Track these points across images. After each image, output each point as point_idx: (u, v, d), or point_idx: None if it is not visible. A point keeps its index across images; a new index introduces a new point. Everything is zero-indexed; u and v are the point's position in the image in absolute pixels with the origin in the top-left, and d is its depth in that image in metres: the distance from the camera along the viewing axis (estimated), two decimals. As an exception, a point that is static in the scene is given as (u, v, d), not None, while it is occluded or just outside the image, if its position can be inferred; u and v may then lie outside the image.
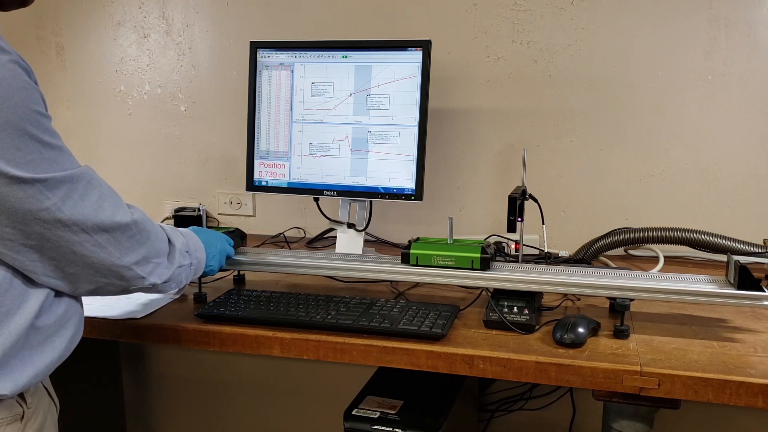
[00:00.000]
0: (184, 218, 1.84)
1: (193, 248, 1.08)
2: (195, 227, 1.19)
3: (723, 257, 1.23)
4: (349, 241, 1.54)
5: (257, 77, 1.55)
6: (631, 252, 1.65)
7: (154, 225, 0.96)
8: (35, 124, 0.77)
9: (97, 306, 1.20)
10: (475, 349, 1.04)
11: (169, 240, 1.00)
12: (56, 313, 0.88)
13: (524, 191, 1.31)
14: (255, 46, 1.56)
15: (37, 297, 0.84)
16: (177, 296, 1.30)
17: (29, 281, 0.84)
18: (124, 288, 0.93)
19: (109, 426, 2.01)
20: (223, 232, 1.29)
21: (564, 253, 1.58)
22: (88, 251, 0.84)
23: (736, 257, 1.10)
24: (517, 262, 1.30)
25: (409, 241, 1.24)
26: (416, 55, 1.45)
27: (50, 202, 0.79)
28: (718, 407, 1.60)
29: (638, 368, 0.97)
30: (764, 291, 1.05)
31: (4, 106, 0.74)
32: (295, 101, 1.54)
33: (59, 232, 0.81)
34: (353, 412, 1.21)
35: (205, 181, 1.97)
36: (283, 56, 1.54)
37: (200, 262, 1.10)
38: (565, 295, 1.29)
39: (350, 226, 1.55)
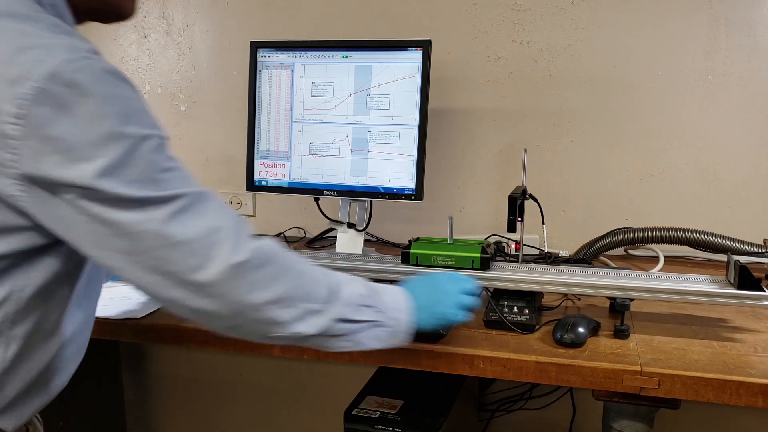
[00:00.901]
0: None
1: (383, 305, 0.91)
2: (422, 278, 1.03)
3: (723, 257, 1.23)
4: (349, 241, 1.54)
5: (257, 77, 1.55)
6: (631, 252, 1.65)
7: (302, 263, 0.85)
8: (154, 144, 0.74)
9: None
10: (475, 348, 1.04)
11: (331, 286, 0.86)
12: (66, 355, 0.87)
13: (524, 191, 1.31)
14: (255, 46, 1.56)
15: (54, 346, 0.84)
16: None
17: (52, 332, 0.83)
18: (263, 333, 0.82)
19: (109, 426, 2.01)
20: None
21: (564, 253, 1.58)
22: None
23: (736, 257, 1.10)
24: (517, 262, 1.30)
25: (409, 241, 1.24)
26: (416, 55, 1.45)
27: (156, 222, 0.73)
28: (718, 407, 1.60)
29: (638, 368, 0.97)
30: (764, 291, 1.05)
31: (127, 123, 0.71)
32: (295, 101, 1.54)
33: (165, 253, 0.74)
34: (353, 412, 1.21)
35: (205, 181, 1.96)
36: (283, 56, 1.54)
37: (398, 323, 0.92)
38: (565, 295, 1.29)
39: (350, 225, 1.55)
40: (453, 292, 1.00)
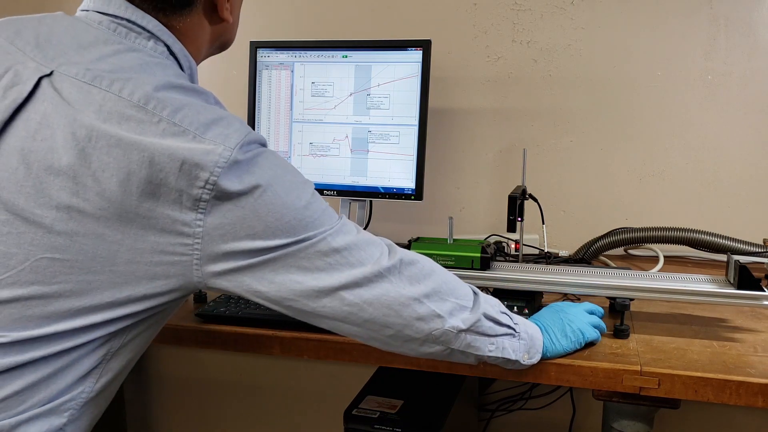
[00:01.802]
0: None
1: (515, 318, 0.94)
2: (543, 309, 1.05)
3: (723, 257, 1.23)
4: (349, 241, 1.54)
5: (257, 77, 1.55)
6: (631, 252, 1.65)
7: (439, 266, 0.91)
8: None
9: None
10: (475, 348, 1.04)
11: (471, 287, 0.92)
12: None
13: (524, 191, 1.31)
14: (255, 46, 1.56)
15: (122, 380, 0.87)
16: None
17: (131, 368, 0.86)
18: (426, 332, 0.85)
19: (109, 426, 2.01)
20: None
21: (564, 253, 1.58)
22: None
23: (736, 257, 1.10)
24: (517, 261, 1.30)
25: (409, 241, 1.24)
26: (416, 55, 1.45)
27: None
28: (718, 407, 1.60)
29: (638, 368, 0.97)
30: (764, 291, 1.05)
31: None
32: (295, 101, 1.54)
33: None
34: (353, 412, 1.21)
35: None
36: (283, 56, 1.54)
37: (533, 339, 0.95)
38: (565, 294, 1.29)
39: (350, 226, 1.55)
40: (579, 313, 1.03)
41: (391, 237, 1.77)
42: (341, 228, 0.81)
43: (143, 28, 0.80)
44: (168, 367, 2.06)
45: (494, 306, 0.92)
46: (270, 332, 1.12)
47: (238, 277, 0.77)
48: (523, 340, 0.94)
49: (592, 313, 1.05)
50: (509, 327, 0.92)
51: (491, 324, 0.90)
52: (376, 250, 0.83)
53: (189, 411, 2.08)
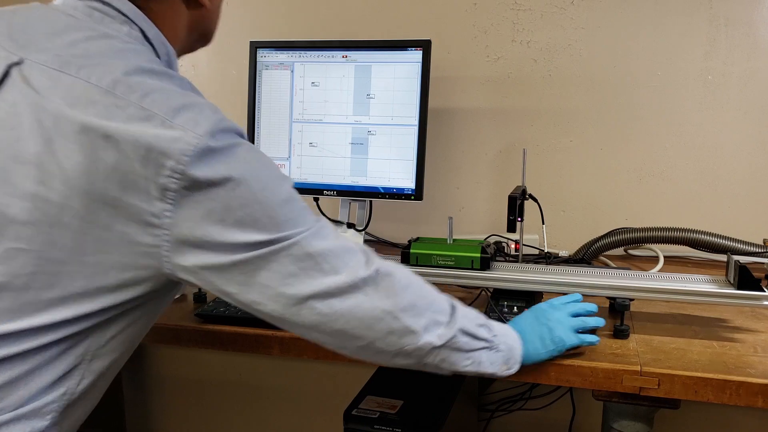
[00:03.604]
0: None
1: (494, 329, 0.91)
2: (524, 313, 1.02)
3: (723, 257, 1.23)
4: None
5: (257, 77, 1.55)
6: (631, 252, 1.65)
7: (420, 279, 0.87)
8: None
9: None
10: (474, 348, 1.04)
11: (449, 300, 0.88)
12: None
13: (524, 191, 1.31)
14: (255, 46, 1.56)
15: (109, 382, 0.86)
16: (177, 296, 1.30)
17: (118, 370, 0.85)
18: (398, 347, 0.82)
19: (109, 426, 2.01)
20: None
21: (564, 253, 1.58)
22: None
23: (736, 257, 1.09)
24: (517, 262, 1.30)
25: (409, 241, 1.24)
26: (416, 55, 1.45)
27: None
28: (718, 407, 1.60)
29: (638, 368, 0.97)
30: (764, 291, 1.05)
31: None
32: (295, 101, 1.54)
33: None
34: (353, 412, 1.21)
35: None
36: (283, 56, 1.54)
37: (512, 350, 0.93)
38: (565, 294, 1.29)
39: (350, 226, 1.55)
40: (562, 318, 0.99)
41: (391, 237, 1.79)
42: (318, 231, 0.77)
43: (118, 11, 0.78)
44: (167, 367, 2.06)
45: (472, 319, 0.89)
46: (270, 332, 1.12)
47: (207, 276, 0.74)
48: (501, 352, 0.91)
49: (578, 314, 1.01)
50: (486, 341, 0.89)
51: (468, 339, 0.87)
52: (352, 259, 0.79)
53: (189, 411, 2.08)
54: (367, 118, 1.49)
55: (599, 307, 1.23)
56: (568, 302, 1.03)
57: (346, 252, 0.79)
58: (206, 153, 0.69)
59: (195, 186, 0.69)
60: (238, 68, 1.86)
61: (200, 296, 1.27)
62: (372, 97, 1.49)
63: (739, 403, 0.93)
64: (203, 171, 0.69)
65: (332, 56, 1.51)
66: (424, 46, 1.45)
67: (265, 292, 0.75)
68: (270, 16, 1.84)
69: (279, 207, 0.74)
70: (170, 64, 0.85)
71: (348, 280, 0.77)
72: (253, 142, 1.57)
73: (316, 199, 1.57)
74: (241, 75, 1.82)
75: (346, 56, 1.50)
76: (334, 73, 1.51)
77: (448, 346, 0.85)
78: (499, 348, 0.91)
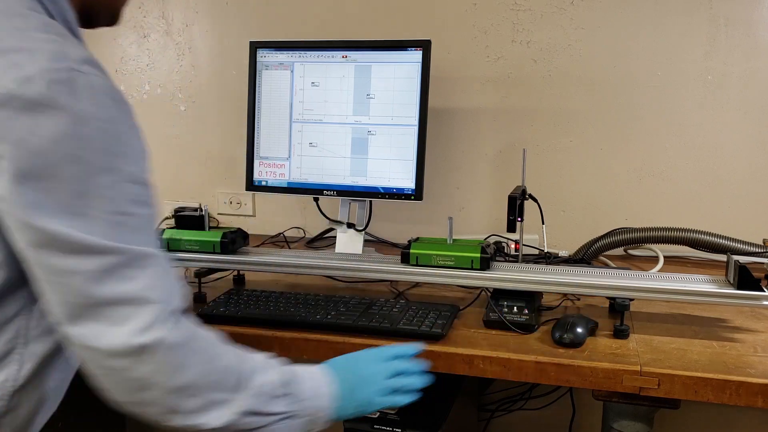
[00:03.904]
0: (184, 218, 1.83)
1: (301, 393, 0.82)
2: (346, 358, 0.92)
3: (723, 257, 1.23)
4: (348, 241, 1.54)
5: (257, 77, 1.55)
6: (631, 252, 1.65)
7: (219, 347, 0.78)
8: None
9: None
10: (474, 348, 1.04)
11: (242, 374, 0.78)
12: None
13: (524, 191, 1.31)
14: (255, 46, 1.55)
15: (69, 367, 0.84)
16: None
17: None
18: (161, 421, 0.74)
19: (109, 426, 2.00)
20: (225, 231, 1.19)
21: (564, 253, 1.58)
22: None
23: (735, 257, 1.10)
24: (516, 262, 1.30)
25: (409, 241, 1.24)
26: (416, 55, 1.45)
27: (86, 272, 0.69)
28: (718, 407, 1.60)
29: (638, 368, 0.97)
30: (764, 291, 1.05)
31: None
32: (295, 101, 1.54)
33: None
34: (353, 412, 1.21)
35: (205, 180, 1.97)
36: (283, 56, 1.54)
37: (317, 411, 0.83)
38: (565, 295, 1.29)
39: (350, 225, 1.55)
40: (378, 375, 0.90)
41: (391, 237, 1.79)
42: (128, 264, 0.70)
43: None
44: (168, 367, 2.06)
45: (267, 392, 0.79)
46: (270, 332, 1.12)
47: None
48: (302, 419, 0.82)
49: (397, 373, 0.91)
50: (283, 413, 0.80)
51: (255, 419, 0.77)
52: (147, 314, 0.70)
53: (189, 411, 2.08)
54: (367, 118, 1.49)
55: (599, 307, 1.24)
56: (393, 359, 0.93)
57: (142, 303, 0.71)
58: (11, 100, 0.66)
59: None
60: (238, 68, 1.86)
61: (200, 296, 1.27)
62: (372, 97, 1.49)
63: (739, 403, 0.93)
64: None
65: (332, 56, 1.51)
66: (424, 46, 1.45)
67: (48, 297, 0.72)
68: (270, 16, 1.84)
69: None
70: (72, 30, 0.81)
71: (125, 342, 0.69)
72: (252, 142, 1.57)
73: (316, 199, 1.57)
74: (241, 75, 1.82)
75: (346, 56, 1.50)
76: (334, 73, 1.51)
77: (228, 428, 0.76)
78: (300, 415, 0.82)
